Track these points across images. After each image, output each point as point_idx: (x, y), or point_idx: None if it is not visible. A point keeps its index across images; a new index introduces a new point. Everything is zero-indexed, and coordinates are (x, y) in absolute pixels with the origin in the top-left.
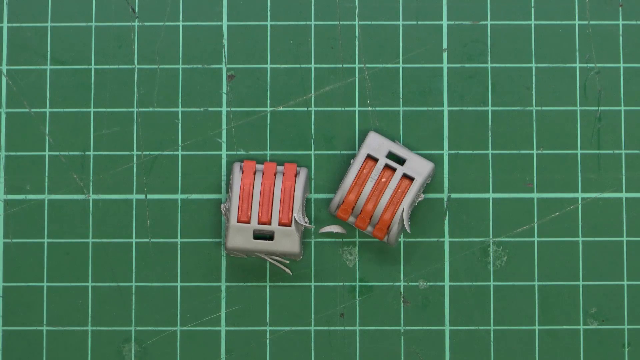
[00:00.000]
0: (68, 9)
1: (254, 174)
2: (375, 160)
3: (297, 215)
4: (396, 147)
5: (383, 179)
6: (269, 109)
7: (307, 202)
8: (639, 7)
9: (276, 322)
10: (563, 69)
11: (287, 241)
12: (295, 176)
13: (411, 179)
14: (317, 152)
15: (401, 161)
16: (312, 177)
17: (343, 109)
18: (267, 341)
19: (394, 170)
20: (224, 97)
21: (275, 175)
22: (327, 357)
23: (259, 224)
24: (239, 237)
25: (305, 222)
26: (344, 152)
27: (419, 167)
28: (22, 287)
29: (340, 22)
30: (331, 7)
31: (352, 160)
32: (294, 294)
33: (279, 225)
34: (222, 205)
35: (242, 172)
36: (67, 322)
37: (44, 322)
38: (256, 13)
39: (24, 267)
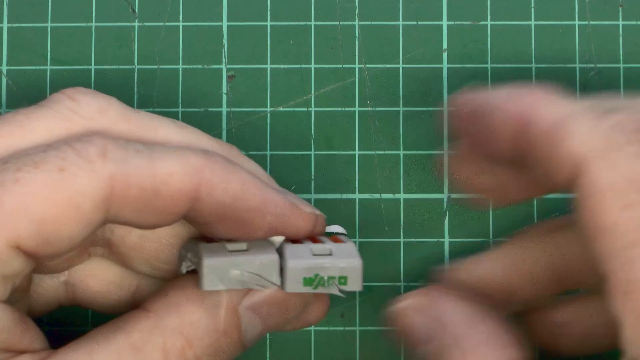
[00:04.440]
0: (68, 9)
1: None
2: None
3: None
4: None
5: None
6: (269, 109)
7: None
8: (639, 7)
9: None
10: (563, 69)
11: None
12: None
13: None
14: (317, 152)
15: None
16: (312, 177)
17: (343, 109)
18: (267, 341)
19: None
20: (224, 97)
21: None
22: (327, 357)
23: None
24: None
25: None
26: (344, 152)
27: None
28: None
29: (340, 22)
30: (331, 7)
31: None
32: None
33: None
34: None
35: None
36: (67, 322)
37: (44, 322)
38: (256, 13)
39: None
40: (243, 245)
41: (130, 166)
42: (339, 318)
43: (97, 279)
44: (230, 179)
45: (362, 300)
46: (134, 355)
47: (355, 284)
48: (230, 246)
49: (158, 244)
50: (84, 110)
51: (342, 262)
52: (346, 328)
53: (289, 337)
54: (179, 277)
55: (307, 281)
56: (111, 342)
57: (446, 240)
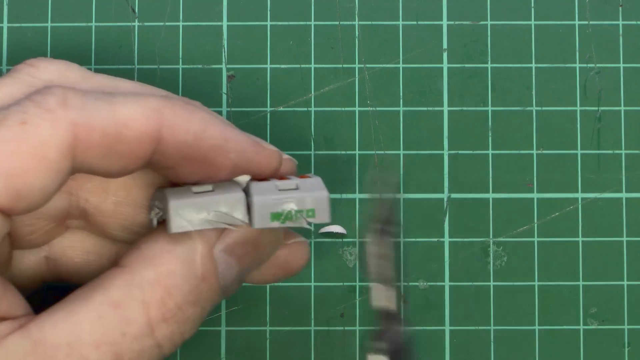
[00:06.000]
0: (68, 9)
1: None
2: None
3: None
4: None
5: None
6: (269, 109)
7: None
8: (639, 7)
9: (276, 322)
10: (563, 69)
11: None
12: None
13: None
14: (317, 152)
15: None
16: None
17: (343, 109)
18: (267, 341)
19: None
20: (224, 97)
21: None
22: (327, 357)
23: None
24: None
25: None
26: (344, 152)
27: None
28: None
29: (340, 22)
30: (331, 7)
31: None
32: (294, 294)
33: None
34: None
35: None
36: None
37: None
38: (256, 13)
39: None
40: (209, 187)
41: (92, 112)
42: (339, 318)
43: (77, 250)
44: (191, 118)
45: (362, 300)
46: (114, 310)
47: (323, 216)
48: (196, 188)
49: (133, 208)
50: (43, 74)
51: (308, 195)
52: (346, 328)
53: (289, 337)
54: (151, 231)
55: (275, 216)
56: (90, 301)
57: (446, 240)
